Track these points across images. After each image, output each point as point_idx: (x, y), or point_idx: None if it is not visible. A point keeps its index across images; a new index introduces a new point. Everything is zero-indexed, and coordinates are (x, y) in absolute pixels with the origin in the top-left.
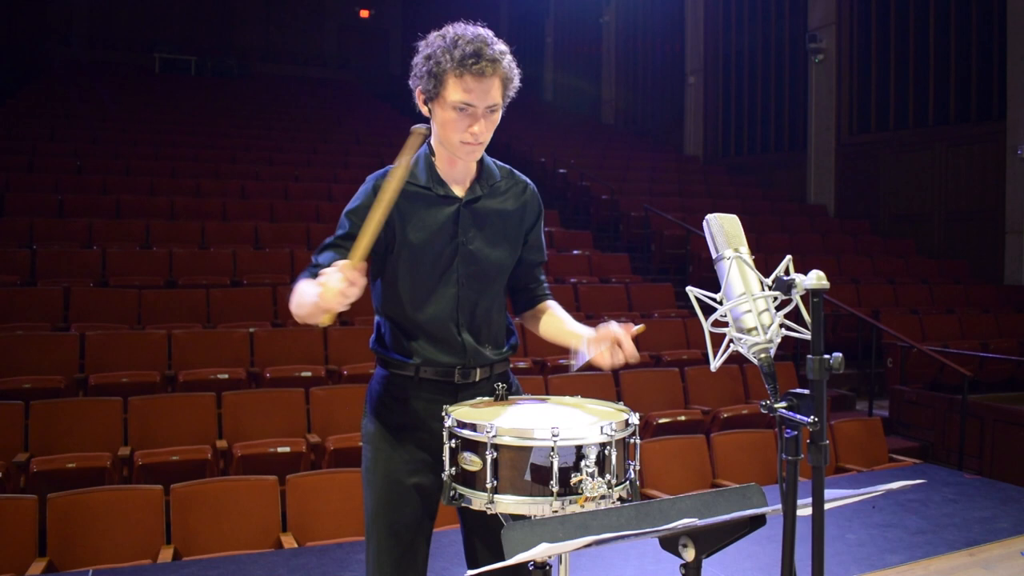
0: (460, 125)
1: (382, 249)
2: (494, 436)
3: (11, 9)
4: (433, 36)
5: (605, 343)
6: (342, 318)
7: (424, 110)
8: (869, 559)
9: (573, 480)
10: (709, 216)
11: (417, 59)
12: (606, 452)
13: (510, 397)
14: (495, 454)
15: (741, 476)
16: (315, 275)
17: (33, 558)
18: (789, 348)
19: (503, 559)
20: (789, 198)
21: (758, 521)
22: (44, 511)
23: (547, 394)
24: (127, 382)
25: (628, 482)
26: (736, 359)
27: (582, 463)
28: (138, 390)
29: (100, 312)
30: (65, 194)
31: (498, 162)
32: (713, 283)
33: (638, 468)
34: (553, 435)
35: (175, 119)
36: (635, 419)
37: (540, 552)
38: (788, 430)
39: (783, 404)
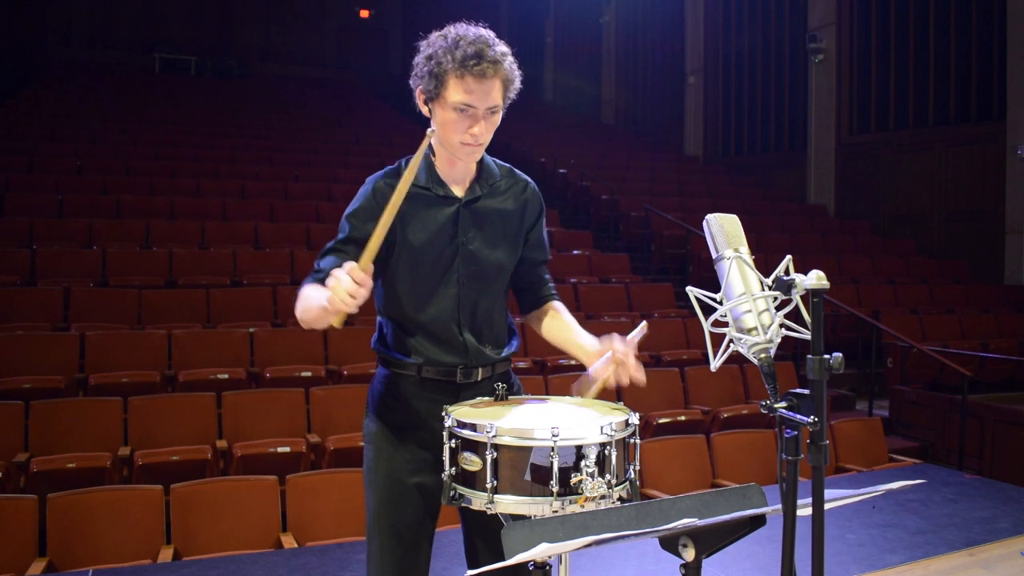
0: (460, 126)
1: (383, 250)
2: (494, 436)
3: (11, 9)
4: (434, 36)
5: (609, 367)
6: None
7: (424, 110)
8: (869, 559)
9: (573, 480)
10: (709, 216)
11: (418, 59)
12: (606, 452)
13: (510, 397)
14: (495, 454)
15: (741, 476)
16: (319, 280)
17: (33, 558)
18: (789, 348)
19: (504, 559)
20: (789, 198)
21: (758, 521)
22: (44, 511)
23: (547, 394)
24: (127, 382)
25: (628, 482)
26: (736, 359)
27: (582, 463)
28: (138, 390)
29: (100, 312)
30: (65, 194)
31: (498, 161)
32: (713, 283)
33: (638, 468)
34: (553, 435)
35: (175, 119)
36: (635, 419)
37: (540, 552)
38: (788, 430)
39: (783, 404)
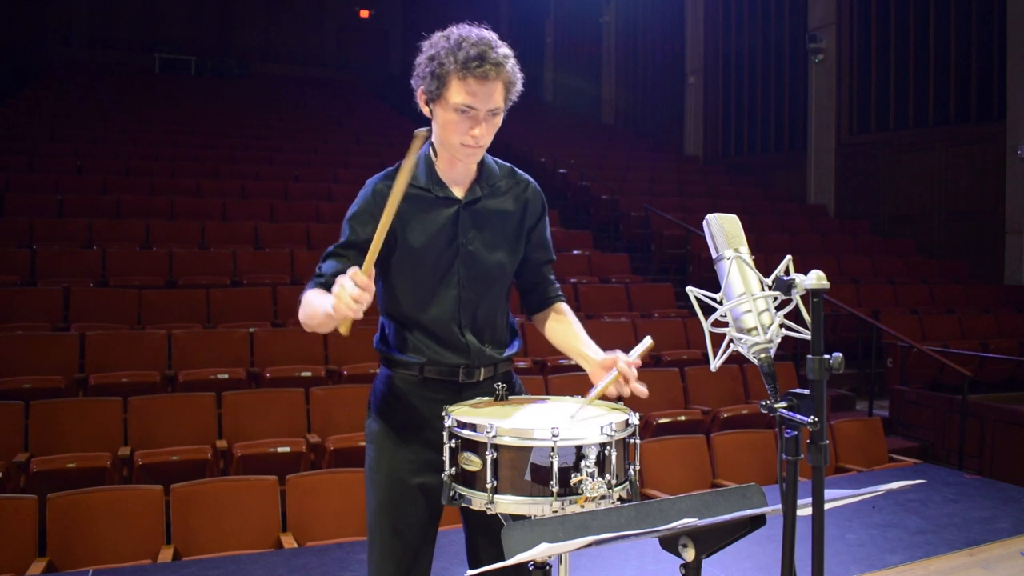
0: (461, 127)
1: (383, 252)
2: (494, 436)
3: (11, 9)
4: (437, 37)
5: (612, 383)
6: None
7: (425, 110)
8: (869, 559)
9: (573, 480)
10: (709, 216)
11: (420, 59)
12: (606, 452)
13: (510, 397)
14: (495, 454)
15: (741, 476)
16: (320, 284)
17: (33, 558)
18: (789, 348)
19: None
20: (789, 198)
21: (758, 521)
22: (44, 511)
23: (547, 394)
24: (127, 382)
25: (628, 482)
26: (736, 359)
27: (582, 463)
28: (138, 390)
29: (100, 312)
30: (65, 194)
31: (499, 161)
32: (713, 283)
33: (638, 468)
34: (553, 435)
35: (175, 119)
36: (635, 419)
37: (540, 552)
38: (788, 430)
39: (783, 404)
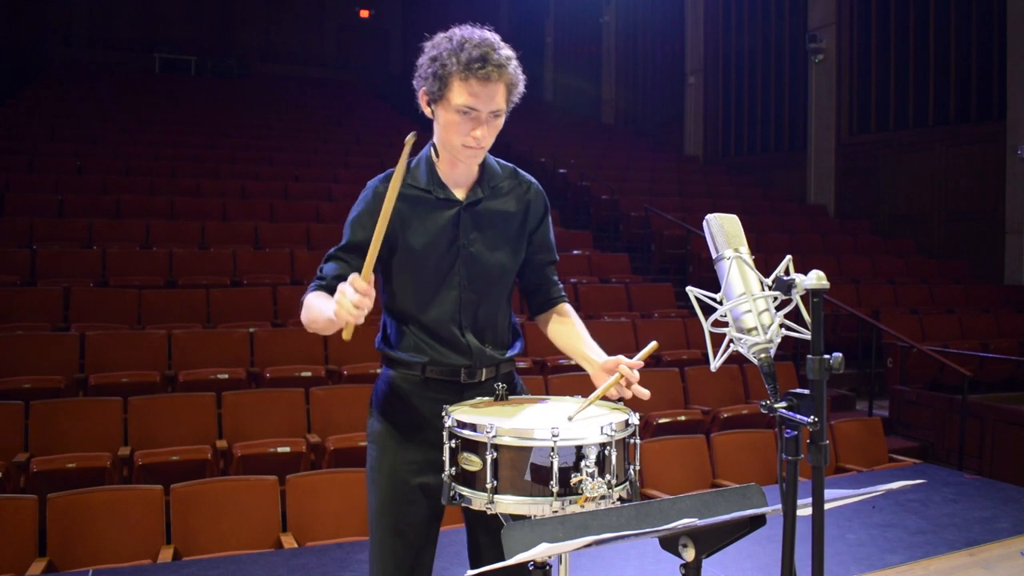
0: (463, 128)
1: (385, 252)
2: (494, 436)
3: (11, 9)
4: (439, 37)
5: (613, 385)
6: None
7: (427, 111)
8: (869, 559)
9: (573, 480)
10: (709, 216)
11: (422, 60)
12: (606, 452)
13: (510, 397)
14: (495, 454)
15: (741, 476)
16: (321, 286)
17: (33, 558)
18: (789, 348)
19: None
20: (789, 198)
21: (758, 521)
22: (44, 511)
23: (547, 394)
24: (127, 382)
25: (628, 482)
26: (736, 359)
27: (582, 463)
28: (138, 390)
29: (100, 312)
30: (65, 194)
31: (502, 161)
32: (713, 283)
33: (638, 468)
34: (553, 435)
35: (175, 119)
36: (635, 419)
37: (540, 552)
38: (788, 430)
39: (783, 404)
